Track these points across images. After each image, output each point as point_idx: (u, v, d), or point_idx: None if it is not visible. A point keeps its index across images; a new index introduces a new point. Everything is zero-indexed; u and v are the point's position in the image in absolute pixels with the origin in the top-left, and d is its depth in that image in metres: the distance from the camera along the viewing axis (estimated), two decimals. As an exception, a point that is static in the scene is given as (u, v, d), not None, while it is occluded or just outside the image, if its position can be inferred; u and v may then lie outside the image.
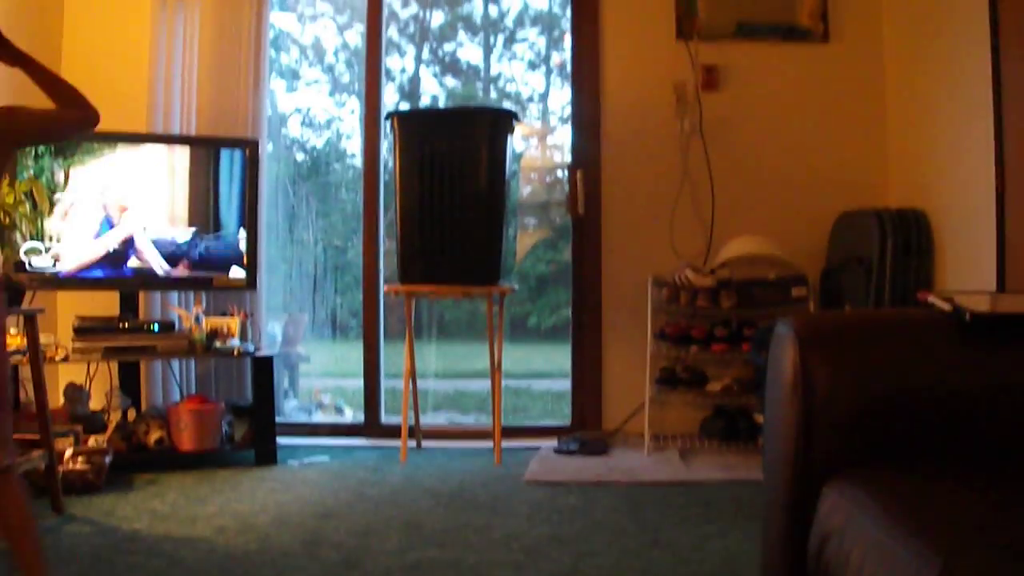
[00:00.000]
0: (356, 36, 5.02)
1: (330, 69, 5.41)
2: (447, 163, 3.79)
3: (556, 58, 5.27)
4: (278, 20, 4.95)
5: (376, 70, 4.51)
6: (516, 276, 4.21)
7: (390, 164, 4.26)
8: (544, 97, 5.45)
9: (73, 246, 3.69)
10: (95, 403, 3.96)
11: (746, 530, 2.75)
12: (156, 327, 3.76)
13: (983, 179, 3.41)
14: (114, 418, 3.87)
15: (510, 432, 4.21)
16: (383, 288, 4.39)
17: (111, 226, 3.76)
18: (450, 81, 5.50)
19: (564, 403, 4.75)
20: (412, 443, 4.13)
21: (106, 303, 3.85)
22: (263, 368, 3.86)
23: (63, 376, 3.94)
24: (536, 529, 2.82)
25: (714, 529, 2.79)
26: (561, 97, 5.19)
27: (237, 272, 3.94)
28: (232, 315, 3.94)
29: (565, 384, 4.65)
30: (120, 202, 3.77)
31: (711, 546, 2.62)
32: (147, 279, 3.83)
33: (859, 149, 4.36)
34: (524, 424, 4.69)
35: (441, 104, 5.31)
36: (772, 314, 3.94)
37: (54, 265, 3.65)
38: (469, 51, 5.41)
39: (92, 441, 3.53)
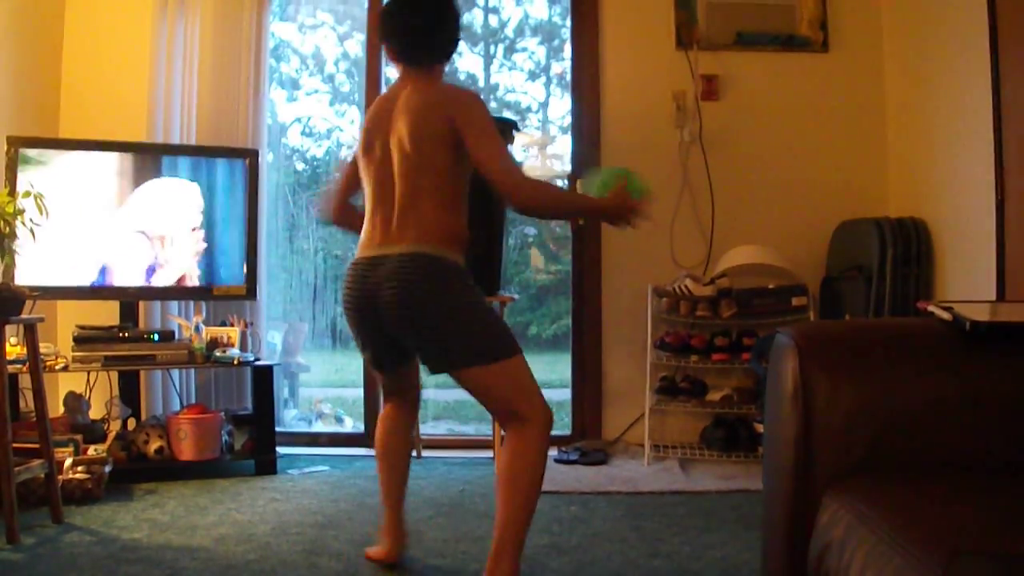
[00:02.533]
0: (356, 46, 5.03)
1: (330, 79, 5.43)
2: (447, 172, 3.79)
3: (556, 68, 5.29)
4: (278, 30, 4.96)
5: (376, 80, 4.52)
6: (516, 286, 4.20)
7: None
8: (544, 106, 5.47)
9: (73, 255, 3.70)
10: (95, 412, 3.96)
11: (746, 540, 2.75)
12: (156, 336, 3.76)
13: (983, 188, 3.41)
14: (114, 427, 3.86)
15: (510, 441, 4.21)
16: (383, 297, 4.39)
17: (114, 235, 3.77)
18: (450, 91, 5.51)
19: (564, 412, 4.74)
20: (412, 453, 4.12)
21: (106, 312, 3.85)
22: (263, 378, 3.86)
23: (63, 385, 3.94)
24: (536, 539, 2.81)
25: (714, 539, 2.79)
26: (561, 106, 5.20)
27: (237, 281, 3.95)
28: (232, 324, 3.94)
29: (565, 393, 4.65)
30: (121, 210, 3.78)
31: (711, 556, 2.61)
32: (147, 288, 3.84)
33: (859, 158, 4.37)
34: (524, 433, 4.67)
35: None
36: (772, 323, 3.94)
37: (54, 274, 3.66)
38: (469, 61, 5.42)
39: (92, 450, 3.53)
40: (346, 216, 2.59)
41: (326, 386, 5.41)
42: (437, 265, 2.22)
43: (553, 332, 5.50)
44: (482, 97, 2.35)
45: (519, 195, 2.20)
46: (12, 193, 3.25)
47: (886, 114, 4.36)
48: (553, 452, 4.12)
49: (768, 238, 4.18)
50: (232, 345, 3.86)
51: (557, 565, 2.54)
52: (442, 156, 2.25)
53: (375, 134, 2.35)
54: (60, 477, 3.15)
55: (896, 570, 1.17)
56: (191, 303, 4.11)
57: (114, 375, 3.93)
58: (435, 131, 2.24)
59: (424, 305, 2.21)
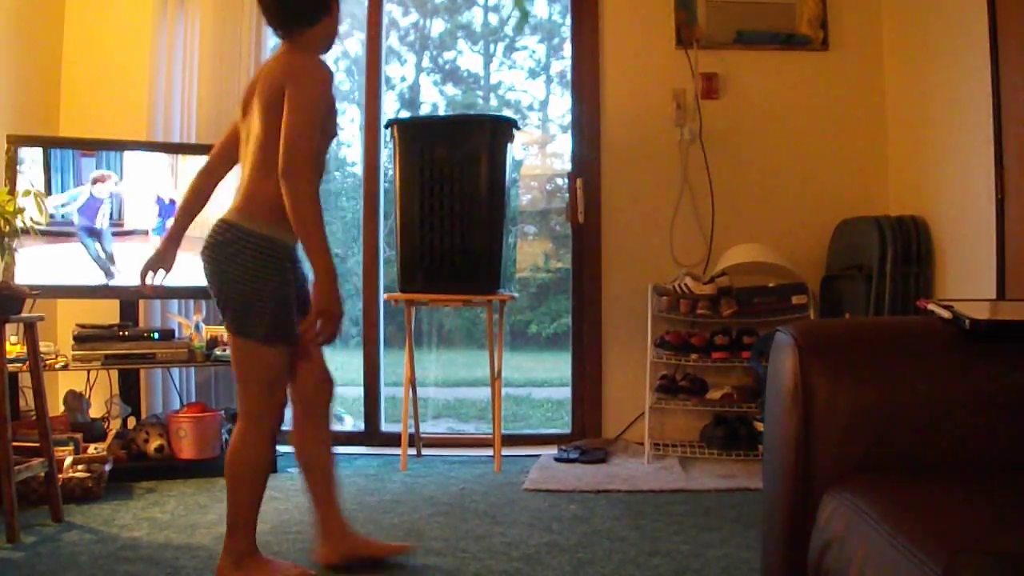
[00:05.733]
0: (356, 44, 5.03)
1: (330, 77, 5.40)
2: (447, 171, 3.80)
3: (556, 66, 5.28)
4: (279, 29, 4.95)
5: (376, 78, 4.52)
6: (516, 284, 4.20)
7: (390, 172, 4.26)
8: (544, 105, 5.46)
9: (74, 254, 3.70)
10: (95, 411, 3.96)
11: (746, 538, 2.75)
12: (156, 335, 3.76)
13: (983, 186, 3.41)
14: (114, 426, 3.87)
15: (510, 440, 4.22)
16: (383, 296, 4.39)
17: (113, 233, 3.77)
18: (450, 89, 5.51)
19: (564, 411, 4.74)
20: (412, 451, 4.13)
21: (106, 311, 3.85)
22: (263, 376, 3.85)
23: (63, 384, 3.94)
24: (536, 537, 2.81)
25: (714, 537, 2.79)
26: (561, 105, 5.20)
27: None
28: (232, 323, 3.94)
29: (565, 392, 4.65)
30: (121, 209, 3.77)
31: (711, 554, 2.61)
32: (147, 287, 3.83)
33: (859, 156, 4.37)
34: (524, 432, 4.68)
35: (441, 112, 5.31)
36: (772, 322, 3.94)
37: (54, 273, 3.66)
38: (469, 59, 5.42)
39: (92, 449, 3.53)
40: (198, 193, 2.62)
41: (326, 385, 5.40)
42: (240, 235, 2.32)
43: (553, 331, 5.50)
44: (324, 72, 2.37)
45: (288, 176, 2.24)
46: (12, 192, 3.25)
47: (886, 113, 4.36)
48: (553, 450, 4.13)
49: (768, 236, 4.18)
50: (232, 344, 3.86)
51: (557, 563, 2.54)
52: (278, 126, 2.28)
53: (246, 104, 2.45)
54: (60, 476, 3.15)
55: (896, 568, 1.17)
56: (191, 302, 4.11)
57: (114, 374, 3.93)
58: (274, 100, 2.29)
59: (218, 270, 2.36)
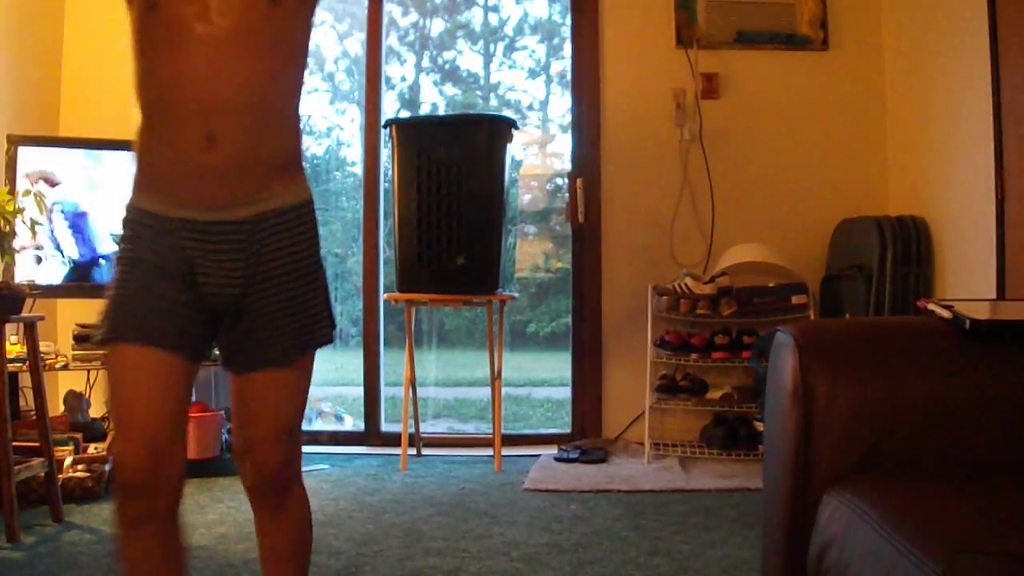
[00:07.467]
0: (356, 44, 5.03)
1: (330, 77, 5.42)
2: (446, 171, 3.79)
3: (556, 66, 5.28)
4: (278, 28, 4.94)
5: (376, 78, 4.51)
6: (516, 284, 4.20)
7: (390, 172, 4.26)
8: (544, 105, 5.46)
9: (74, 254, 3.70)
10: (95, 411, 3.96)
11: (746, 538, 2.75)
12: (156, 335, 3.75)
13: (983, 186, 3.41)
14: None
15: (510, 440, 4.22)
16: (383, 296, 4.39)
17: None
18: (450, 89, 5.51)
19: (564, 411, 4.75)
20: (412, 451, 4.13)
21: (106, 311, 3.84)
22: (263, 376, 3.85)
23: (63, 384, 3.93)
24: (536, 537, 2.81)
25: (714, 537, 2.79)
26: (561, 105, 5.20)
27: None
28: (232, 323, 3.93)
29: (565, 392, 4.65)
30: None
31: (711, 554, 2.61)
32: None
33: (859, 156, 4.36)
34: (524, 432, 4.68)
35: (441, 112, 5.31)
36: (772, 322, 3.94)
37: (54, 273, 3.65)
38: (469, 59, 5.42)
39: (92, 449, 3.53)
40: None
41: (326, 385, 5.40)
42: None
43: (551, 330, 5.50)
44: None
45: None
46: (12, 192, 3.24)
47: (886, 112, 4.36)
48: (553, 450, 4.13)
49: (768, 236, 4.18)
50: (232, 344, 3.85)
51: (557, 564, 2.54)
52: None
53: None
54: (60, 476, 3.15)
55: (896, 568, 1.17)
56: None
57: (114, 374, 3.92)
58: None
59: None
